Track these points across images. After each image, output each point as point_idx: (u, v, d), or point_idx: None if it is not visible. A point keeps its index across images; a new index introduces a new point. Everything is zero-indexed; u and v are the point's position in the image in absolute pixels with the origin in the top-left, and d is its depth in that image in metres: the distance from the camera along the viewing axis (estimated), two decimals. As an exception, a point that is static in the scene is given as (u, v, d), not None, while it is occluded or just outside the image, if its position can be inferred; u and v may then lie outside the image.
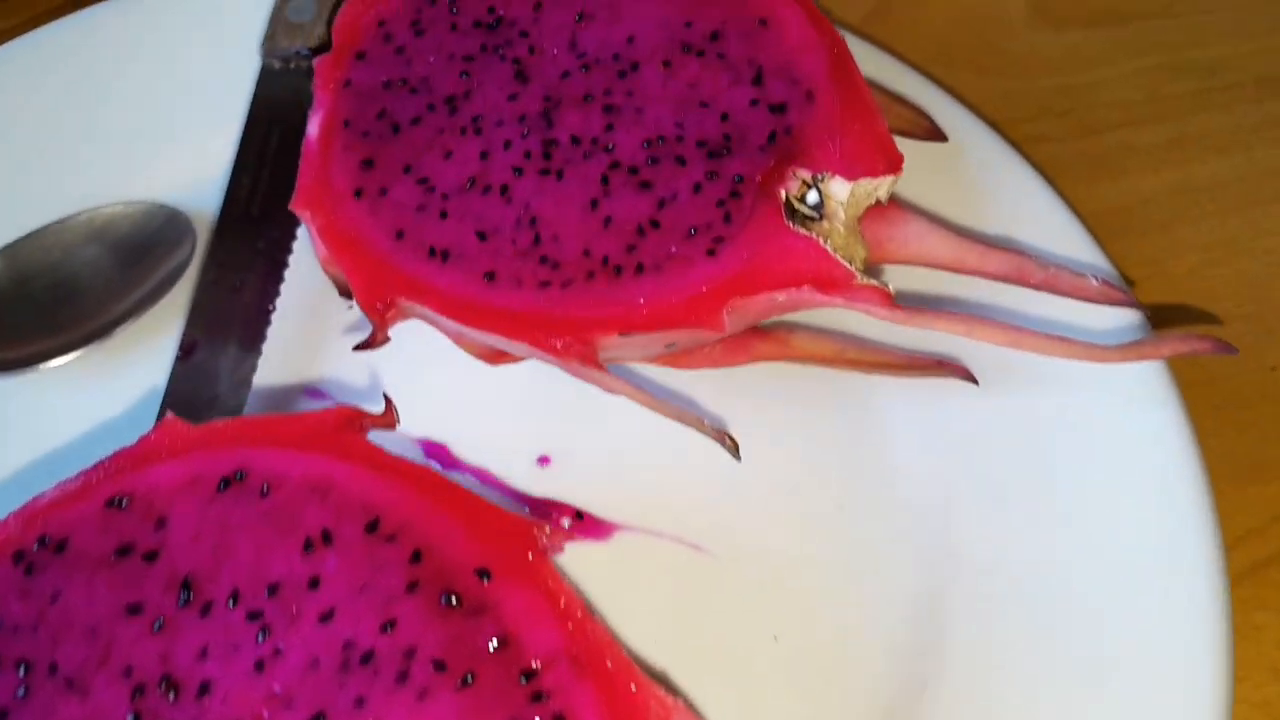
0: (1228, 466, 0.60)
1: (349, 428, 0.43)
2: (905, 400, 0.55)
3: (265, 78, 0.64)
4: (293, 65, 0.64)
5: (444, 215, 0.51)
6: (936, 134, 0.60)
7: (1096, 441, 0.51)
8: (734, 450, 0.50)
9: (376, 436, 0.45)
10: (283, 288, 0.59)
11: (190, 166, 0.63)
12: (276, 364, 0.57)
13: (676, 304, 0.48)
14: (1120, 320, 0.54)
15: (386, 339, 0.51)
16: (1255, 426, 0.62)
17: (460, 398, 0.55)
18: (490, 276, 0.50)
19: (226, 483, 0.42)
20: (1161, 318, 0.66)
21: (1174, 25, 0.83)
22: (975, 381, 0.53)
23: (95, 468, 0.43)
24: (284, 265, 0.59)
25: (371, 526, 0.42)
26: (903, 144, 0.60)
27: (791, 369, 0.55)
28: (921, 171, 0.60)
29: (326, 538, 0.41)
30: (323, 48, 0.61)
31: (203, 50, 0.65)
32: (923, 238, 0.53)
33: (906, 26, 0.81)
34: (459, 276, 0.50)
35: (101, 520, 0.42)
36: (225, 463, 0.43)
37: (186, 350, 0.56)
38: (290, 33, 0.64)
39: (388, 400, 0.46)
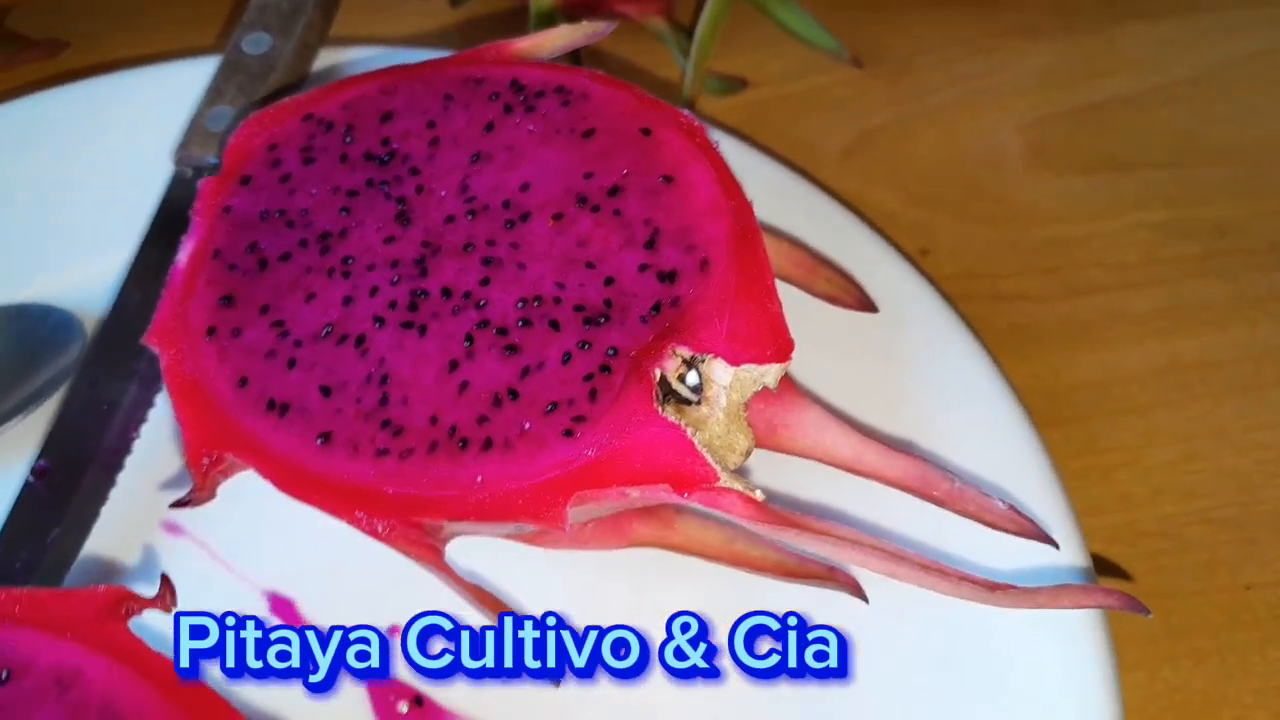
0: (1180, 698, 0.53)
1: (114, 613, 0.39)
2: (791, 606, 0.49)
3: (175, 185, 0.61)
4: (207, 174, 0.61)
5: (292, 364, 0.47)
6: (866, 304, 0.54)
7: (994, 681, 0.45)
8: None
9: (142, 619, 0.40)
10: (155, 413, 0.56)
11: (90, 272, 0.60)
12: (135, 494, 0.54)
13: (516, 492, 0.43)
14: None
15: (209, 497, 0.46)
16: (1216, 656, 0.54)
17: (325, 546, 0.50)
18: (325, 438, 0.45)
19: None
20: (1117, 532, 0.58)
21: (1182, 177, 0.76)
22: (865, 599, 0.47)
23: None
24: (158, 388, 0.56)
25: None
26: (832, 313, 0.55)
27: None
28: (842, 344, 0.54)
29: None
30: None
31: (116, 153, 0.62)
32: (821, 430, 0.47)
33: (888, 162, 0.76)
34: (292, 436, 0.45)
35: None
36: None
37: (38, 474, 0.53)
38: (204, 141, 0.61)
39: (164, 581, 0.42)
